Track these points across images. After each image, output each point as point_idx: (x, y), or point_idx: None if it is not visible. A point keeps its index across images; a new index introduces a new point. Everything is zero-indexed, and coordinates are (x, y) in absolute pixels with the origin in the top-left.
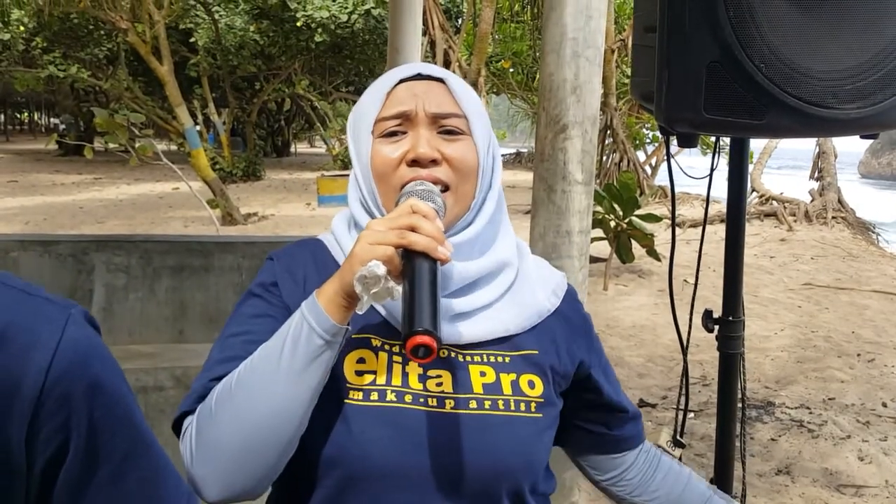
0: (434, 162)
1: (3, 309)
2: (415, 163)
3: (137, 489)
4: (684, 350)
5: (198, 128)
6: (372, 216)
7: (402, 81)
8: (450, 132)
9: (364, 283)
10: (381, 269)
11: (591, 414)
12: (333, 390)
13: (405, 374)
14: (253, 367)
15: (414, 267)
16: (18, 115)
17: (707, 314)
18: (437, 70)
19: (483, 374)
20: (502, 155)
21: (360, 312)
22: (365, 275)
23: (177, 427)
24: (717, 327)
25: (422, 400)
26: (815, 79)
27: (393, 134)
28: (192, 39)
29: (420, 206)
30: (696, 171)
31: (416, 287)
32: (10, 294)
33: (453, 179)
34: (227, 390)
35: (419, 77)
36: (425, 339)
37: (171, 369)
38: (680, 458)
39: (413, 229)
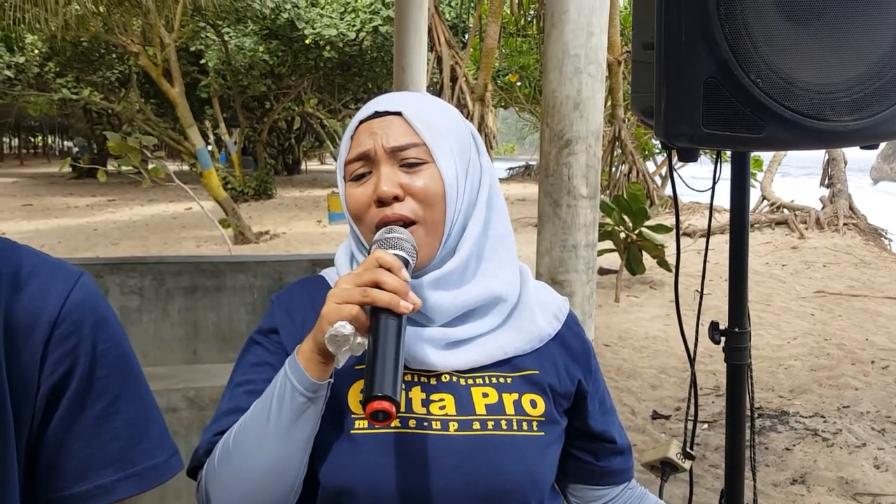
0: (397, 198)
1: (31, 256)
2: (381, 202)
3: (124, 431)
4: (692, 361)
5: (209, 148)
6: (361, 252)
7: (362, 122)
8: (412, 164)
9: (335, 342)
10: (348, 329)
11: (580, 441)
12: (339, 421)
13: (408, 400)
14: (246, 427)
15: (378, 324)
16: (32, 139)
17: (713, 326)
18: (392, 104)
19: (486, 395)
20: (511, 168)
21: (338, 367)
22: (334, 335)
23: (192, 475)
24: (723, 339)
25: (426, 424)
26: (812, 92)
27: (360, 176)
28: (202, 61)
29: (385, 259)
30: (706, 180)
31: (379, 347)
32: (35, 251)
33: (419, 212)
34: (226, 450)
35: (377, 115)
36: (384, 404)
37: (184, 390)
38: (690, 470)
39: (377, 284)
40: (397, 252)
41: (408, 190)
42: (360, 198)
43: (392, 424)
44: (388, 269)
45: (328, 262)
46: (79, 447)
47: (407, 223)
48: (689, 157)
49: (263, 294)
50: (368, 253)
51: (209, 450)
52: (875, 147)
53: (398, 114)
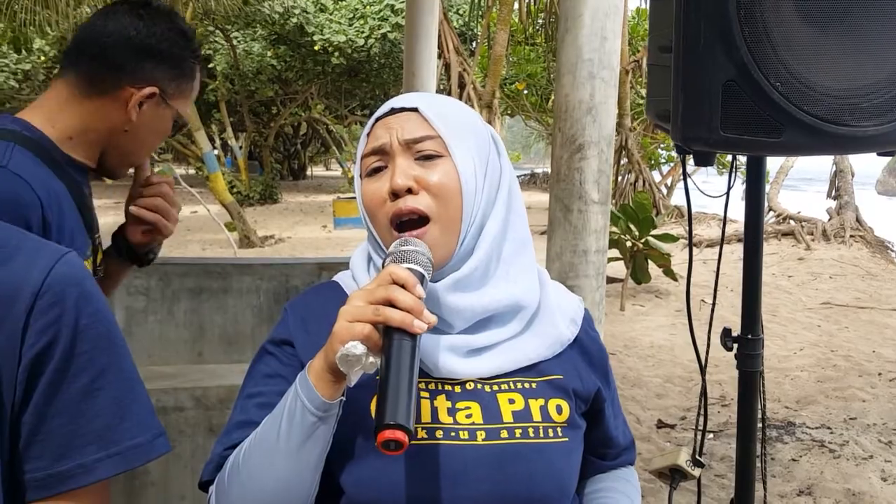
0: (410, 191)
1: (17, 233)
2: (395, 195)
3: (107, 409)
4: (703, 369)
5: (216, 152)
6: (378, 255)
7: (378, 120)
8: (427, 157)
9: (346, 362)
10: (360, 349)
11: (594, 445)
12: (363, 433)
13: (434, 410)
14: (256, 444)
15: (391, 345)
16: None
17: (726, 332)
18: (409, 100)
19: (512, 401)
20: (516, 176)
21: (350, 386)
22: (345, 355)
23: (203, 489)
24: (735, 346)
25: (453, 434)
26: (832, 97)
27: (376, 170)
28: (210, 65)
29: (398, 274)
30: (713, 191)
31: (392, 371)
32: (22, 231)
33: (434, 206)
34: (236, 466)
35: (393, 111)
36: (396, 434)
37: (191, 390)
38: (699, 478)
39: (390, 302)
40: (412, 266)
41: (422, 183)
42: (375, 192)
43: (419, 436)
44: (402, 286)
45: (335, 265)
46: (60, 423)
47: (421, 218)
48: (705, 161)
49: (269, 297)
50: (384, 258)
51: (220, 464)
52: (893, 153)
53: (414, 109)
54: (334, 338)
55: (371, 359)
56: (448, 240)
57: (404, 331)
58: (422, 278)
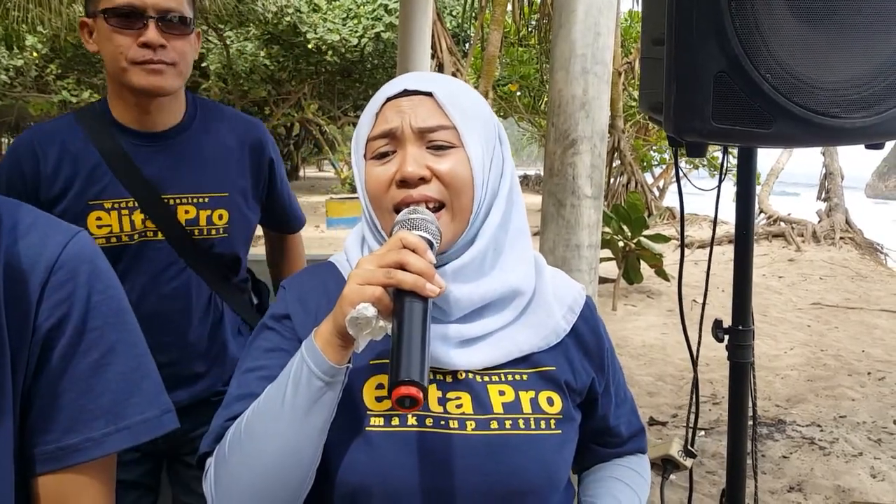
0: (423, 179)
1: (32, 211)
2: (403, 183)
3: (116, 384)
4: (694, 361)
5: None
6: (375, 238)
7: (389, 100)
8: (439, 147)
9: (356, 324)
10: (371, 311)
11: (593, 434)
12: (355, 417)
13: (424, 398)
14: (259, 411)
15: (403, 307)
16: None
17: (717, 324)
18: (423, 83)
19: (502, 392)
20: None
21: (357, 351)
22: (356, 317)
23: (200, 465)
24: (727, 337)
25: (443, 423)
26: (821, 88)
27: (384, 154)
28: (203, 64)
29: (409, 240)
30: (701, 194)
31: (405, 331)
32: (36, 209)
33: (446, 196)
34: (237, 434)
35: (406, 93)
36: (411, 390)
37: None
38: (690, 470)
39: (401, 266)
40: (422, 233)
41: (435, 173)
42: (381, 176)
43: (409, 423)
44: (413, 251)
45: None
46: (70, 398)
47: (432, 205)
48: (697, 152)
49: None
50: (385, 238)
51: (220, 435)
52: (881, 146)
53: (429, 94)
54: (344, 300)
55: (381, 322)
56: (455, 227)
57: (416, 294)
58: (430, 245)
